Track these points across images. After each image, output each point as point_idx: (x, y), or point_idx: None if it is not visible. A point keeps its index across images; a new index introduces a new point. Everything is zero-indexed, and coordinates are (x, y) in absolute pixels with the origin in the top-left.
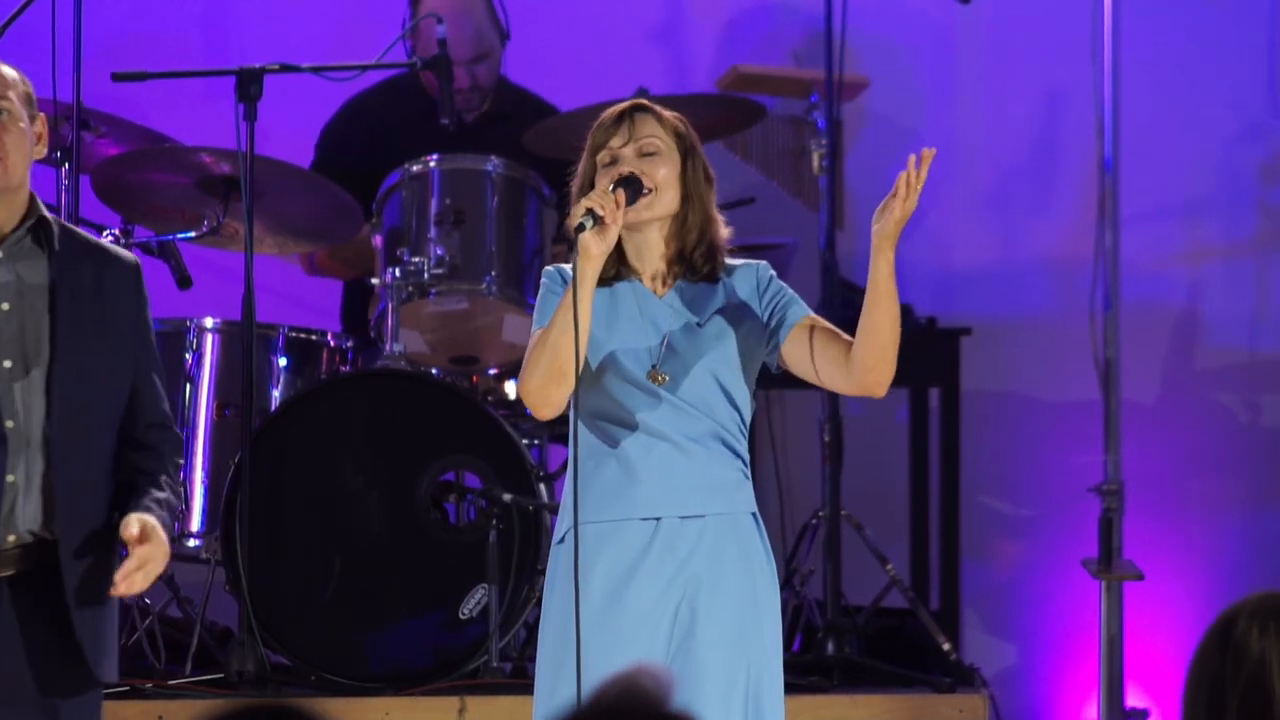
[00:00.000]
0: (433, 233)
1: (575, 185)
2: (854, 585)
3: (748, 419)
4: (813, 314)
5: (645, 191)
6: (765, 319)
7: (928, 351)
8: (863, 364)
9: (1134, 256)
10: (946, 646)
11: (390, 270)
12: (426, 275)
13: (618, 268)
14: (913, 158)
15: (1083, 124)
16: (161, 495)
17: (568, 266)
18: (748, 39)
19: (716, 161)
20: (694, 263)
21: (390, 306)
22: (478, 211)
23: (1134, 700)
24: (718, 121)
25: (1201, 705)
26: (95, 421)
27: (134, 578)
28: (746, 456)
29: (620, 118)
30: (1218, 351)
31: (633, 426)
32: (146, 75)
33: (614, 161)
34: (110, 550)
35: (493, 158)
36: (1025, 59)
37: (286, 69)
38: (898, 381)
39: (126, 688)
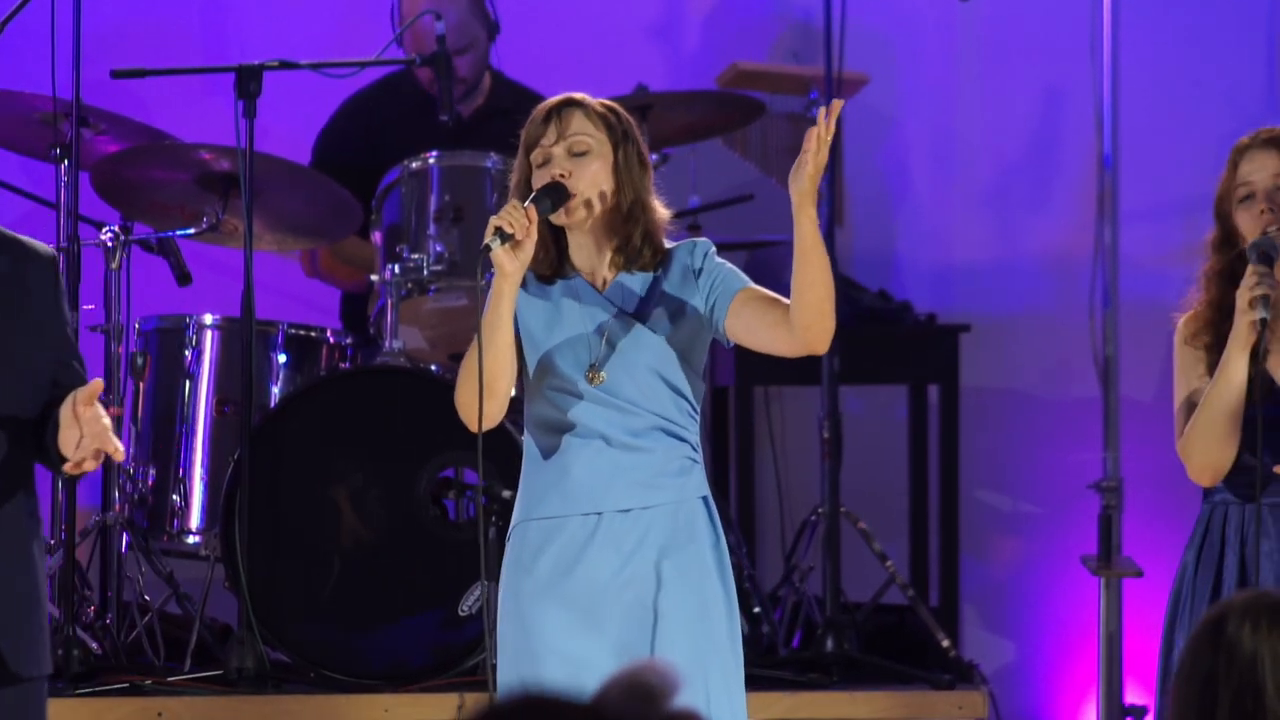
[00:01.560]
0: (432, 229)
1: (512, 183)
2: (853, 582)
3: (697, 403)
4: (751, 285)
5: (571, 196)
6: (704, 298)
7: (927, 348)
8: (801, 323)
9: (1133, 254)
10: (946, 643)
11: (389, 267)
12: (426, 272)
13: (559, 266)
14: (822, 110)
15: (1082, 121)
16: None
17: None
18: (747, 36)
19: (715, 158)
20: (632, 253)
21: (389, 303)
22: (477, 208)
23: (1133, 697)
24: (717, 118)
25: (1193, 702)
26: (10, 416)
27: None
28: (695, 441)
29: (549, 115)
30: None
31: (571, 429)
32: (145, 72)
33: (546, 161)
34: (25, 544)
35: (492, 155)
36: (1025, 56)
37: (286, 66)
38: (897, 378)
39: (126, 684)
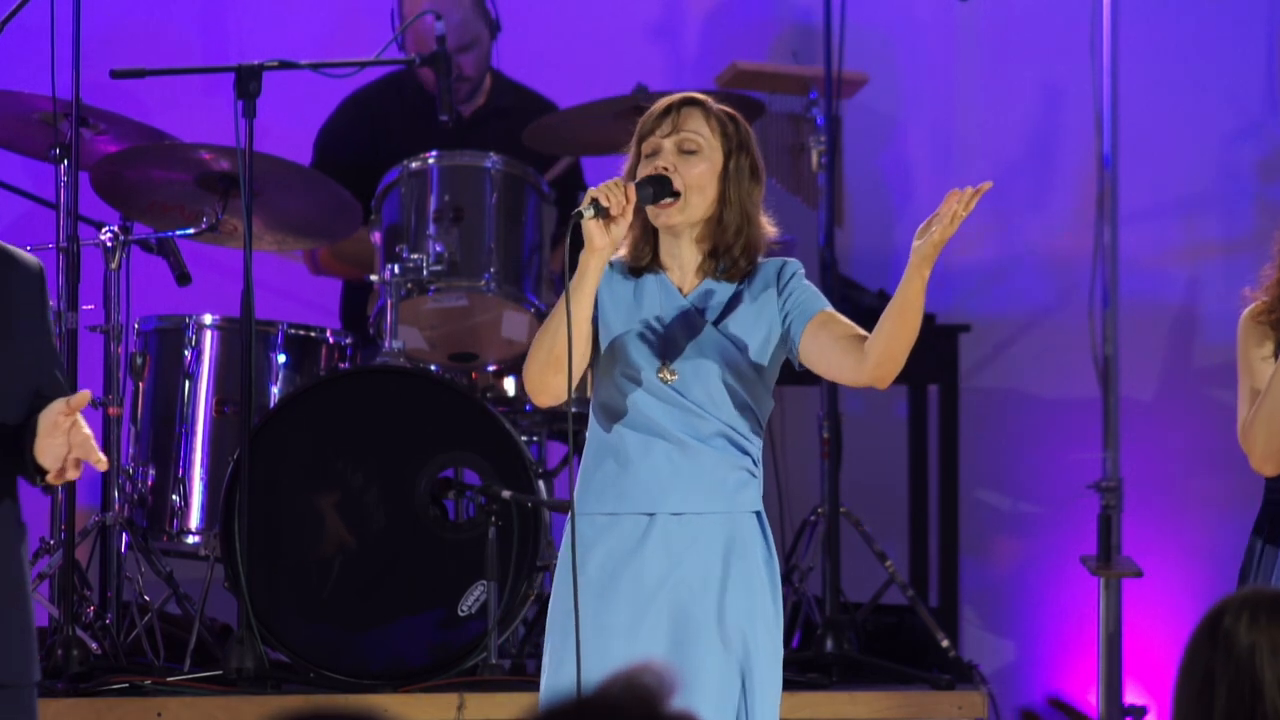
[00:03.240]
0: (432, 229)
1: (623, 172)
2: (853, 582)
3: (763, 418)
4: (829, 308)
5: (673, 195)
6: (782, 316)
7: (926, 348)
8: (877, 360)
9: (1133, 253)
10: (945, 643)
11: (389, 267)
12: (426, 272)
13: (649, 260)
14: (970, 189)
15: (1082, 120)
16: None
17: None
18: (746, 36)
19: None
20: (727, 263)
21: (389, 303)
22: (477, 208)
23: (1132, 697)
24: None
25: (1192, 697)
26: None
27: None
28: (757, 455)
29: (668, 110)
30: (1216, 348)
31: (636, 423)
32: (145, 72)
33: (655, 152)
34: (14, 548)
35: (492, 154)
36: (1024, 55)
37: (285, 66)
38: (897, 378)
39: (125, 684)
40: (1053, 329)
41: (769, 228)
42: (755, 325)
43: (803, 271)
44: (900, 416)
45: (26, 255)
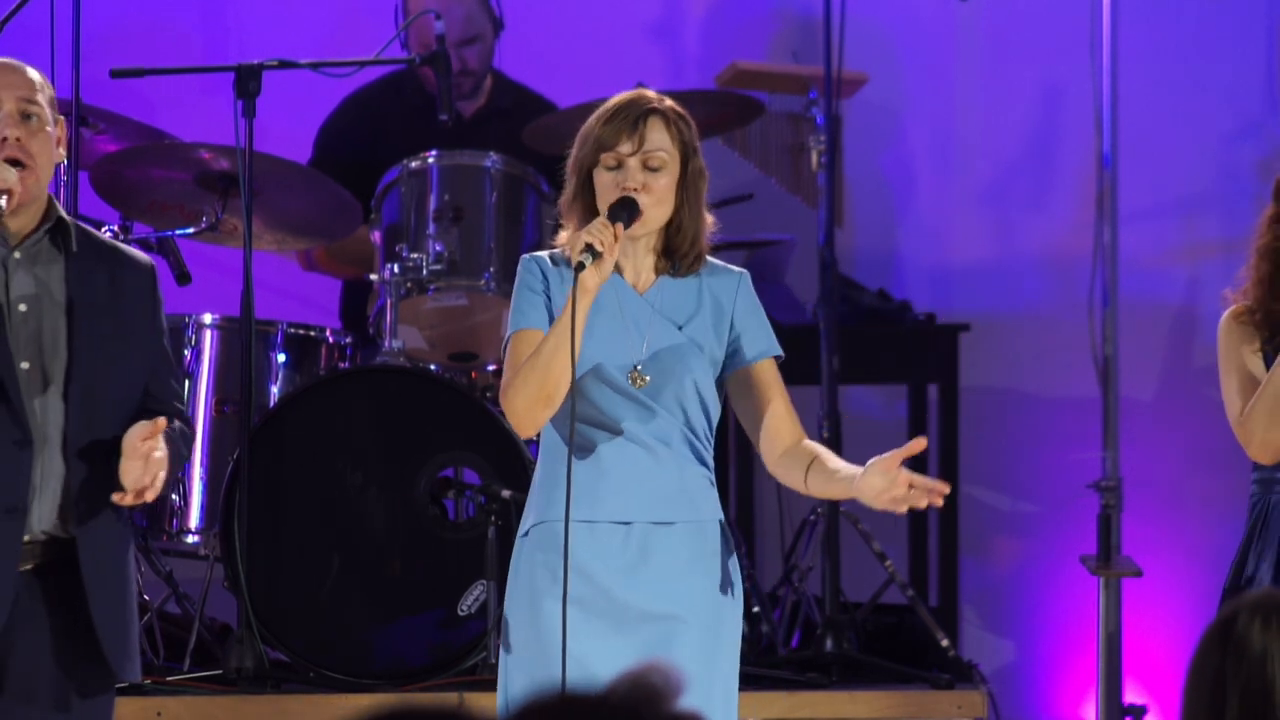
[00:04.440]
0: (431, 229)
1: (570, 168)
2: (852, 582)
3: (714, 425)
4: (773, 361)
5: (641, 211)
6: (729, 337)
7: (926, 348)
8: (787, 480)
9: (1132, 253)
10: (945, 643)
11: (389, 266)
12: (425, 271)
13: None
14: (939, 496)
15: (1081, 120)
16: (174, 424)
17: (544, 255)
18: (746, 35)
19: (715, 158)
20: (679, 260)
21: (389, 303)
22: (477, 208)
23: (1132, 696)
24: (716, 118)
25: (1203, 701)
26: (111, 423)
27: (140, 480)
28: (712, 463)
29: (635, 122)
30: (1216, 348)
31: (608, 428)
32: (145, 71)
33: (619, 166)
34: (126, 549)
35: (492, 154)
36: (1024, 55)
37: (285, 65)
38: (897, 378)
39: (125, 684)
40: (1052, 328)
41: (710, 217)
42: (713, 332)
43: (752, 288)
44: (900, 416)
45: (138, 254)
